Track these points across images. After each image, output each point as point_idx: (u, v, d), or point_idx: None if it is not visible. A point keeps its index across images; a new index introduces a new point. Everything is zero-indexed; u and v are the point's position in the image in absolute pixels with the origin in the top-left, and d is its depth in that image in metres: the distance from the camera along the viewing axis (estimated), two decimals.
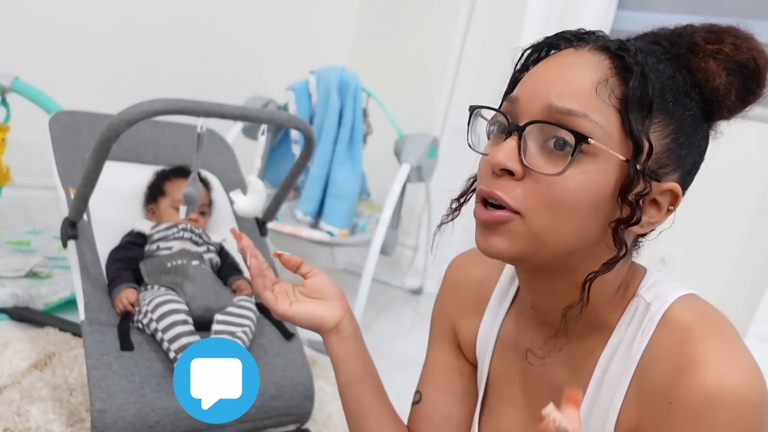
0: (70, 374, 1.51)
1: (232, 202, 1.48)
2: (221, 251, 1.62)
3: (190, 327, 1.34)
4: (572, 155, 0.59)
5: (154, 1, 2.50)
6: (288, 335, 1.50)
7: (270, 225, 1.79)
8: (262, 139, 1.39)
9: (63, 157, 1.54)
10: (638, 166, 0.59)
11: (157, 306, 1.34)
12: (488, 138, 0.67)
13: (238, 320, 1.41)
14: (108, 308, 1.37)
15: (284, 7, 2.86)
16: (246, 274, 1.63)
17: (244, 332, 1.40)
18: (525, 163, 0.60)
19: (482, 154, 0.66)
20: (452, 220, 0.72)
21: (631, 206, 0.60)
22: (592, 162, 0.59)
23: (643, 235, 0.68)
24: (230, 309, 1.43)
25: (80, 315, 1.33)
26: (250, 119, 1.35)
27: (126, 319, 1.37)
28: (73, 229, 1.40)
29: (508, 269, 0.80)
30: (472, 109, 0.68)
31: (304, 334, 1.79)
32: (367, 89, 2.22)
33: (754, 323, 1.75)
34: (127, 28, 2.46)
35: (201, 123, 1.29)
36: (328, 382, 1.72)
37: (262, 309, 1.54)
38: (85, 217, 1.44)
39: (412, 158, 2.11)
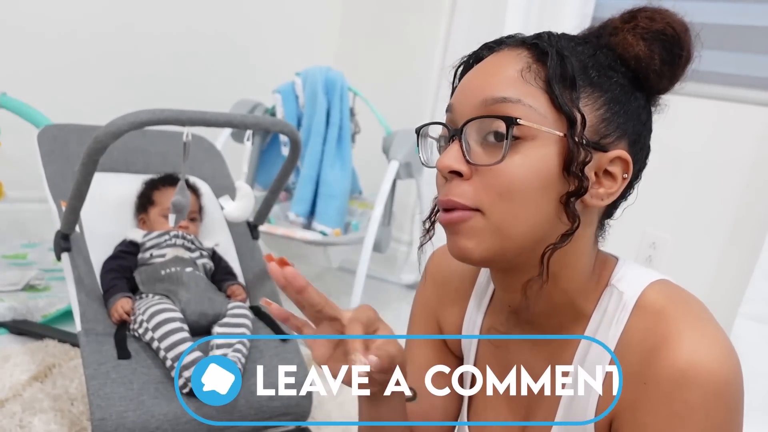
0: (70, 384, 1.52)
1: (221, 208, 1.50)
2: (214, 256, 1.63)
3: (185, 333, 1.36)
4: (506, 139, 0.61)
5: (139, 10, 2.51)
6: (283, 338, 1.52)
7: (263, 228, 1.81)
8: (249, 145, 1.41)
9: (53, 170, 1.56)
10: (576, 138, 0.62)
11: (152, 315, 1.36)
12: (440, 152, 0.69)
13: (236, 330, 1.43)
14: (104, 318, 1.39)
15: (268, 10, 2.87)
16: (240, 278, 1.65)
17: (241, 343, 1.41)
18: (469, 160, 0.63)
19: (433, 167, 0.68)
20: (429, 239, 0.74)
21: (578, 177, 0.62)
22: (531, 144, 0.62)
23: (609, 215, 0.70)
24: (227, 320, 1.44)
25: (77, 326, 1.35)
26: (235, 126, 1.37)
27: (122, 328, 1.39)
28: (66, 241, 1.42)
29: (485, 270, 0.81)
30: (418, 130, 0.71)
31: None
32: (354, 88, 2.23)
33: (744, 303, 1.77)
34: (112, 36, 2.47)
35: (187, 131, 1.30)
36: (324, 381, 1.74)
37: (257, 313, 1.56)
38: (77, 228, 1.46)
39: (400, 155, 2.13)
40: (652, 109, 0.70)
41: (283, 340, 1.52)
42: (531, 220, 0.63)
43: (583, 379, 0.68)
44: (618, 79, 0.66)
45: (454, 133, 0.65)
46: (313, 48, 3.04)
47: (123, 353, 1.33)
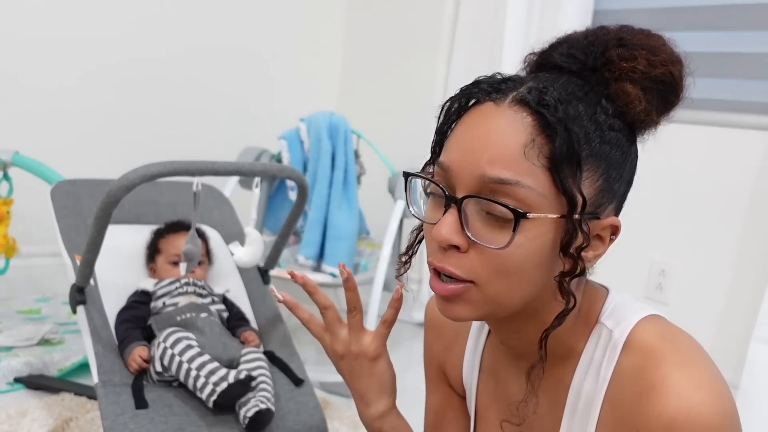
0: None
1: (231, 254, 1.52)
2: (225, 301, 1.65)
3: (209, 356, 1.39)
4: (513, 230, 0.59)
5: (144, 66, 2.58)
6: (297, 381, 1.53)
7: (273, 272, 1.82)
8: (257, 191, 1.43)
9: (66, 225, 1.59)
10: (575, 218, 0.60)
11: (176, 341, 1.39)
12: (426, 195, 0.68)
13: (255, 372, 1.44)
14: (121, 369, 1.40)
15: (270, 59, 2.94)
16: (253, 323, 1.66)
17: (264, 384, 1.42)
18: (469, 235, 0.62)
19: (426, 222, 0.67)
20: (405, 272, 0.75)
21: (573, 259, 0.62)
22: (532, 227, 0.60)
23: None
24: (242, 367, 1.44)
25: (93, 378, 1.36)
26: (243, 174, 1.40)
27: (140, 377, 1.40)
28: (81, 294, 1.44)
29: None
30: (406, 176, 0.69)
31: (314, 376, 1.81)
32: (357, 131, 2.27)
33: (758, 326, 1.77)
34: (120, 92, 2.54)
35: (197, 181, 1.33)
36: (342, 423, 1.73)
37: (272, 357, 1.57)
38: (91, 281, 1.48)
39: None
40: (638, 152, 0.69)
41: (297, 385, 1.53)
42: (524, 293, 0.64)
43: (577, 422, 0.68)
44: (617, 140, 0.64)
45: (452, 201, 0.62)
46: (315, 93, 3.10)
47: (141, 403, 1.33)
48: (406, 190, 0.70)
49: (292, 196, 2.32)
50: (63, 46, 2.39)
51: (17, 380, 1.77)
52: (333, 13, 3.11)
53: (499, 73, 0.67)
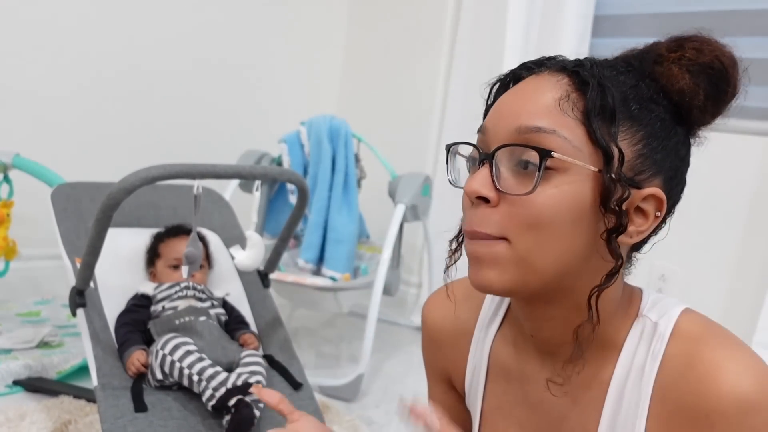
0: None
1: (232, 258, 1.52)
2: (225, 305, 1.65)
3: (210, 361, 1.38)
4: (539, 171, 0.59)
5: (144, 71, 2.58)
6: (296, 385, 1.52)
7: (273, 275, 1.82)
8: (257, 194, 1.43)
9: (67, 228, 1.59)
10: (612, 174, 0.59)
11: (175, 347, 1.38)
12: (468, 172, 0.68)
13: (253, 378, 1.44)
14: (120, 372, 1.40)
15: (271, 62, 2.95)
16: (253, 327, 1.66)
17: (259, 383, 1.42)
18: (498, 187, 0.61)
19: (461, 188, 0.66)
20: (455, 261, 0.72)
21: (616, 214, 0.60)
22: (564, 176, 0.60)
23: (637, 249, 0.68)
24: (240, 369, 1.44)
25: (93, 381, 1.36)
26: (244, 177, 1.40)
27: (139, 380, 1.40)
28: (81, 297, 1.44)
29: (490, 299, 0.79)
30: (448, 148, 0.69)
31: (314, 380, 1.81)
32: (357, 134, 2.27)
33: (758, 332, 1.77)
34: (120, 96, 2.54)
35: (197, 185, 1.33)
36: (342, 427, 1.73)
37: (271, 361, 1.57)
38: (91, 284, 1.48)
39: (406, 198, 2.16)
40: (692, 142, 0.68)
41: (296, 389, 1.52)
42: (558, 253, 0.61)
43: (621, 423, 0.66)
44: (659, 113, 0.63)
45: (484, 157, 0.63)
46: (316, 97, 3.11)
47: (140, 406, 1.33)
48: (447, 162, 0.70)
49: (293, 199, 2.32)
50: (65, 50, 2.39)
51: (16, 383, 1.77)
52: (334, 17, 3.11)
53: (544, 56, 0.68)
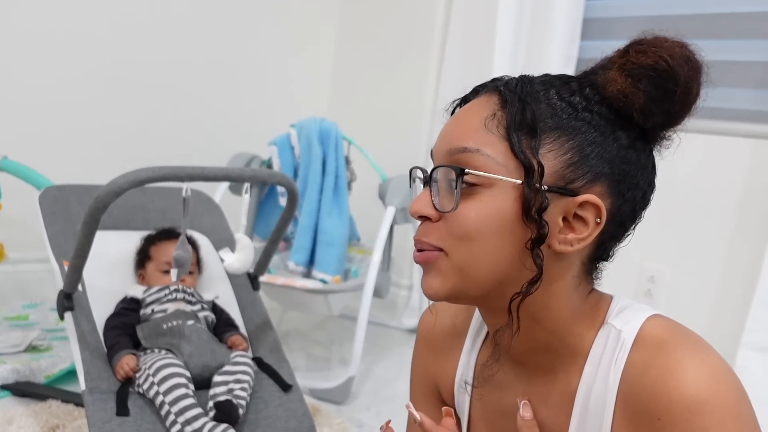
0: None
1: (222, 261, 1.51)
2: (215, 308, 1.64)
3: (189, 391, 1.36)
4: (455, 188, 0.64)
5: (134, 70, 2.57)
6: (286, 387, 1.52)
7: (263, 278, 1.82)
8: (246, 197, 1.43)
9: (55, 230, 1.58)
10: (532, 186, 0.62)
11: (158, 369, 1.36)
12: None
13: (236, 377, 1.43)
14: (108, 376, 1.39)
15: (261, 64, 2.94)
16: (242, 329, 1.66)
17: (243, 389, 1.41)
18: (435, 206, 0.66)
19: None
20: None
21: (535, 222, 0.62)
22: (488, 191, 0.64)
23: (603, 258, 0.69)
24: (227, 368, 1.44)
25: (81, 385, 1.35)
26: (233, 179, 1.40)
27: (126, 385, 1.39)
28: (68, 300, 1.43)
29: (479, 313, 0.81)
30: (410, 171, 0.75)
31: (304, 382, 1.81)
32: (348, 137, 2.27)
33: (746, 333, 1.78)
34: (109, 96, 2.53)
35: (186, 187, 1.33)
36: (332, 430, 1.73)
37: (260, 363, 1.56)
38: (79, 287, 1.47)
39: (396, 200, 2.16)
40: (656, 146, 0.68)
41: (285, 391, 1.52)
42: (490, 262, 0.65)
43: (589, 428, 0.67)
44: (594, 120, 0.64)
45: (425, 179, 0.70)
46: (306, 99, 3.11)
47: (122, 410, 1.32)
48: (410, 184, 0.76)
49: (283, 201, 2.32)
50: (52, 51, 2.38)
51: (4, 387, 1.75)
52: (324, 19, 3.11)
53: (505, 75, 0.71)
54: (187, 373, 1.39)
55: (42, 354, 1.91)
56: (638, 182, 0.66)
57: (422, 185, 0.73)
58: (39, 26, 2.33)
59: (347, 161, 2.30)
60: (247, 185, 1.47)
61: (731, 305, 1.91)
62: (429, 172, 0.69)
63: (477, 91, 0.70)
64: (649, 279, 2.11)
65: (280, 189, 2.32)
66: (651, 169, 0.68)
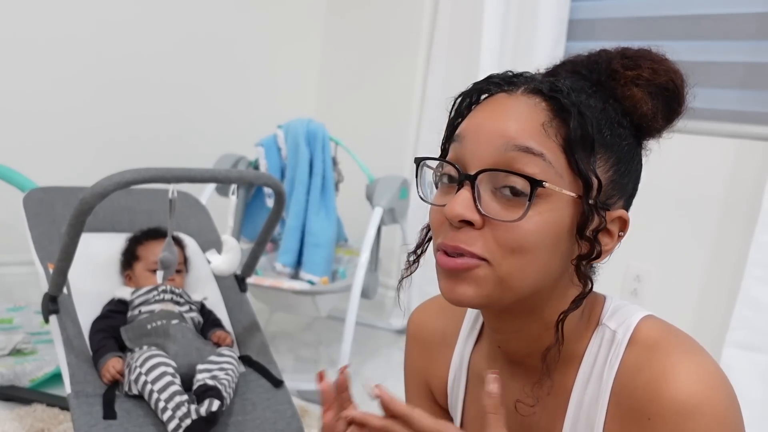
0: None
1: (208, 262, 1.50)
2: (203, 309, 1.63)
3: (179, 387, 1.36)
4: (529, 200, 0.60)
5: (119, 70, 2.55)
6: (277, 383, 1.52)
7: (250, 279, 1.81)
8: (233, 198, 1.43)
9: (39, 233, 1.56)
10: (590, 202, 0.61)
11: (151, 367, 1.36)
12: (436, 187, 0.68)
13: (218, 366, 1.42)
14: (94, 379, 1.38)
15: (247, 65, 2.93)
16: (228, 327, 1.65)
17: (227, 374, 1.41)
18: (482, 211, 0.61)
19: (435, 205, 0.66)
20: (411, 273, 0.72)
21: (590, 242, 0.62)
22: (546, 202, 0.61)
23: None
24: (211, 358, 1.44)
25: (66, 388, 1.34)
26: (219, 181, 1.39)
27: (112, 388, 1.38)
28: (53, 303, 1.42)
29: (470, 311, 0.81)
30: (418, 162, 0.68)
31: (292, 384, 1.80)
32: (335, 138, 2.27)
33: (731, 331, 1.79)
34: (94, 97, 2.51)
35: (172, 188, 1.32)
36: None
37: (249, 361, 1.56)
38: (65, 290, 1.46)
39: (383, 201, 2.16)
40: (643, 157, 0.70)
41: (276, 386, 1.52)
42: (537, 275, 0.62)
43: (581, 427, 0.68)
44: (626, 137, 0.66)
45: (464, 178, 0.62)
46: (293, 100, 3.10)
47: (109, 413, 1.31)
48: (417, 176, 0.68)
49: (270, 203, 2.31)
50: (36, 51, 2.36)
51: None
52: (311, 19, 3.11)
53: (510, 71, 0.68)
54: (174, 364, 1.39)
55: (27, 357, 1.90)
56: (637, 190, 0.70)
57: (438, 176, 0.67)
58: (21, 29, 2.31)
59: (334, 162, 2.30)
60: (233, 186, 1.46)
61: (716, 304, 1.93)
62: (473, 169, 0.62)
63: (500, 86, 0.66)
64: (636, 278, 2.12)
65: (267, 190, 2.31)
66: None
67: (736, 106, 1.95)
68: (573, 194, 0.61)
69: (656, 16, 2.13)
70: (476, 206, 0.61)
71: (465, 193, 0.61)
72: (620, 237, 0.66)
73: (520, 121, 0.61)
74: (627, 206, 0.68)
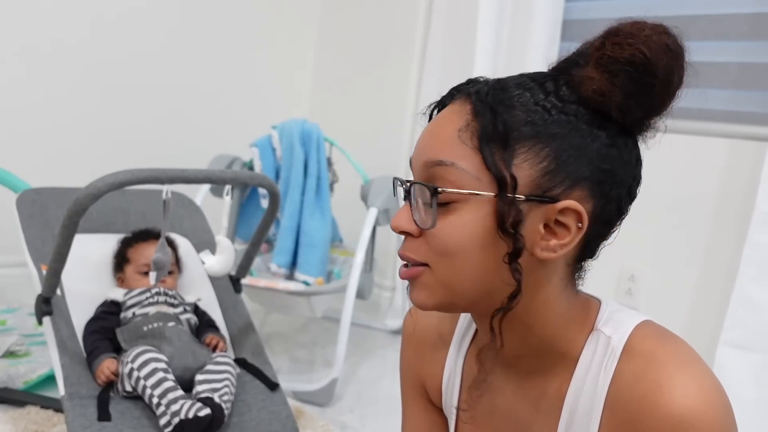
0: None
1: (202, 263, 1.50)
2: (197, 310, 1.63)
3: (173, 383, 1.36)
4: (431, 206, 0.63)
5: (113, 72, 2.54)
6: (272, 386, 1.52)
7: (245, 280, 1.81)
8: (228, 199, 1.42)
9: (32, 234, 1.56)
10: (506, 199, 0.60)
11: (143, 364, 1.36)
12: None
13: (219, 376, 1.42)
14: (88, 381, 1.38)
15: (242, 66, 2.93)
16: (224, 332, 1.65)
17: (226, 386, 1.41)
18: (416, 221, 0.65)
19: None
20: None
21: (511, 237, 0.61)
22: (465, 206, 0.62)
23: (589, 256, 0.68)
24: (209, 367, 1.44)
25: (60, 390, 1.33)
26: (214, 182, 1.39)
27: (107, 389, 1.38)
28: (47, 305, 1.41)
29: (465, 314, 0.81)
30: (394, 181, 0.73)
31: (287, 385, 1.80)
32: (329, 138, 2.27)
33: (724, 330, 1.80)
34: (88, 99, 2.50)
35: (166, 189, 1.32)
36: None
37: (244, 364, 1.55)
38: (58, 291, 1.45)
39: (378, 202, 2.16)
40: (641, 137, 0.66)
41: (272, 389, 1.51)
42: (473, 276, 0.64)
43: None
44: (571, 122, 0.62)
45: (405, 194, 0.68)
46: (287, 101, 3.10)
47: (104, 415, 1.31)
48: (395, 195, 0.76)
49: (264, 203, 2.31)
50: (29, 52, 2.35)
51: None
52: (305, 20, 3.10)
53: (472, 78, 0.68)
54: (165, 359, 1.39)
55: (20, 359, 1.89)
56: (622, 179, 0.64)
57: (404, 197, 0.70)
58: (17, 28, 2.30)
59: (329, 163, 2.30)
60: (228, 187, 1.46)
61: (710, 303, 1.94)
62: (407, 185, 0.67)
63: (453, 95, 0.67)
64: (630, 278, 2.13)
65: (262, 191, 2.31)
66: (635, 163, 0.66)
67: (729, 106, 1.96)
68: (488, 193, 0.61)
69: (649, 16, 2.13)
70: (413, 217, 0.66)
71: (405, 206, 0.67)
72: (579, 228, 0.62)
73: (436, 135, 0.65)
74: (600, 194, 0.63)
